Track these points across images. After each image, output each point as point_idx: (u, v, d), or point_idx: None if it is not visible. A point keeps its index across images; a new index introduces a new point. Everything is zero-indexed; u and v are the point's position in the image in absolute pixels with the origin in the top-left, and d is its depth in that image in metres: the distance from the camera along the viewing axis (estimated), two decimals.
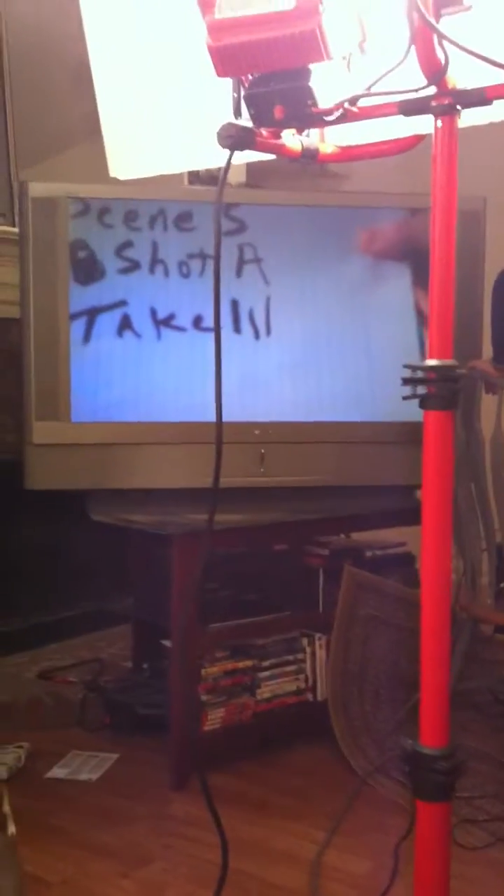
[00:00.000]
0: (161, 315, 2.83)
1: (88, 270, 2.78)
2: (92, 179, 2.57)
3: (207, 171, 3.44)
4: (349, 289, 2.96)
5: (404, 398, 1.39)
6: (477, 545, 2.70)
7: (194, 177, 3.56)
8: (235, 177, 3.76)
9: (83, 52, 1.68)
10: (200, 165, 1.63)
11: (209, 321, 2.81)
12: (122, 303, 2.81)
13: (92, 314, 2.79)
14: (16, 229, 3.01)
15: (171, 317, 2.83)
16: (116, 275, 2.80)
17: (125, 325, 2.81)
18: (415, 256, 2.94)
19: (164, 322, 2.83)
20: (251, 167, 3.77)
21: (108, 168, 1.74)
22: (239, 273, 2.86)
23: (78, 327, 2.78)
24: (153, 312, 2.82)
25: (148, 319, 2.82)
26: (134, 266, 2.81)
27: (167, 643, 2.87)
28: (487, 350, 2.80)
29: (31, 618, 3.67)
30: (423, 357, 1.42)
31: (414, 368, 1.39)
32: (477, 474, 2.63)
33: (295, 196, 3.00)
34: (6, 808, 1.73)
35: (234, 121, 1.41)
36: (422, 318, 2.92)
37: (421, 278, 2.97)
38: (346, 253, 2.95)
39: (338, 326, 2.95)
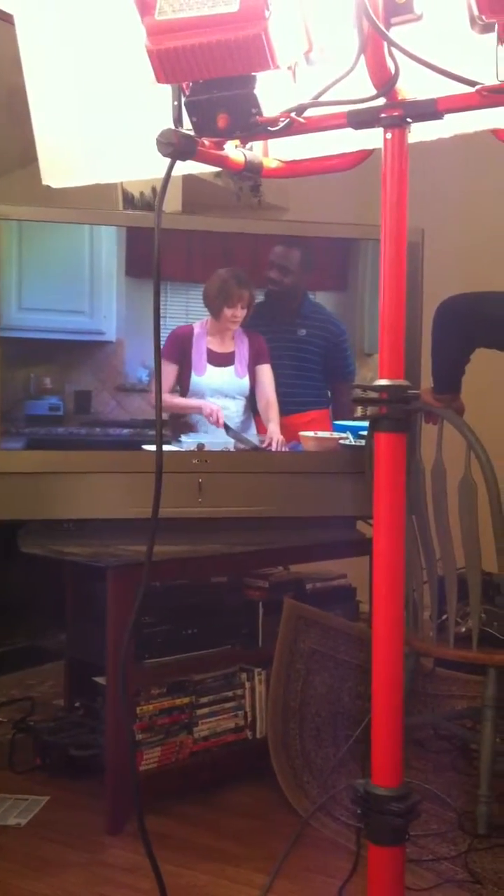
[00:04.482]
0: None
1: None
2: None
3: (142, 195, 3.38)
4: (290, 316, 2.93)
5: (354, 419, 1.33)
6: (418, 577, 2.65)
7: (128, 202, 3.50)
8: (171, 205, 3.71)
9: (15, 80, 1.61)
10: (137, 176, 1.57)
11: None
12: None
13: None
14: None
15: None
16: None
17: None
18: (355, 283, 2.92)
19: None
20: (186, 199, 3.74)
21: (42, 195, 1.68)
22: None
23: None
24: None
25: None
26: None
27: (101, 680, 2.78)
28: (426, 381, 2.77)
29: None
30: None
31: (364, 388, 1.33)
32: (418, 505, 2.59)
33: (233, 223, 2.97)
34: None
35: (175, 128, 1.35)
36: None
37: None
38: (287, 277, 2.92)
39: (276, 353, 2.91)
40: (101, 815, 2.56)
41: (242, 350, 2.91)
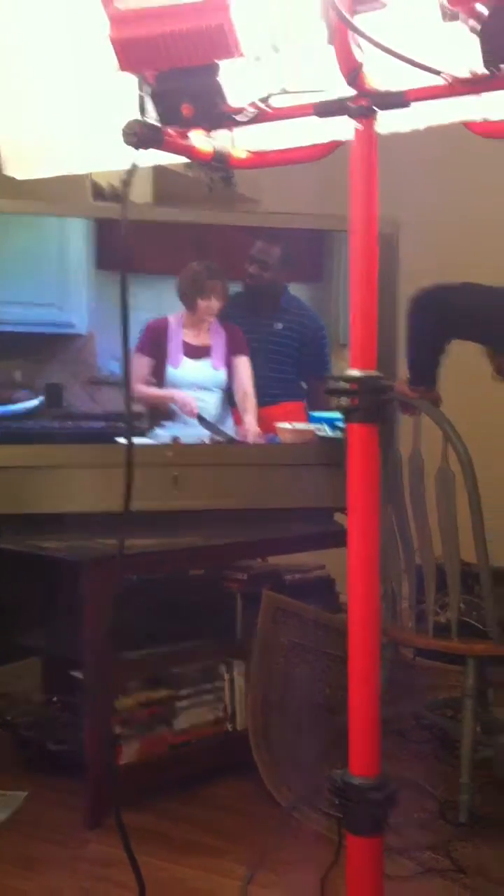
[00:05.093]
0: None
1: None
2: None
3: (112, 187, 3.36)
4: (268, 310, 2.93)
5: (330, 410, 1.32)
6: (396, 568, 2.65)
7: (98, 194, 3.47)
8: (142, 196, 3.68)
9: None
10: (104, 167, 1.55)
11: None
12: None
13: None
14: None
15: None
16: None
17: None
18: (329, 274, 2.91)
19: None
20: (158, 191, 3.71)
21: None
22: None
23: None
24: None
25: None
26: None
27: (78, 675, 2.76)
28: (402, 373, 2.77)
29: None
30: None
31: (337, 379, 1.32)
32: (395, 496, 2.59)
33: (204, 214, 2.95)
34: None
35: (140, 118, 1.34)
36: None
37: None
38: (266, 272, 2.92)
39: (252, 346, 2.90)
40: (80, 810, 2.55)
41: (219, 342, 2.90)
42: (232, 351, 2.90)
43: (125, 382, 1.40)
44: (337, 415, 1.37)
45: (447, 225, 3.83)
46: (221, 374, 2.90)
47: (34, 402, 2.76)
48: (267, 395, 2.94)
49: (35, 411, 2.77)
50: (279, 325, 2.97)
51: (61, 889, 2.24)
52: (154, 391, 2.86)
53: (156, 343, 2.85)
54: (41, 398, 2.76)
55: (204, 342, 2.89)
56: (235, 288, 2.95)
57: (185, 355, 2.88)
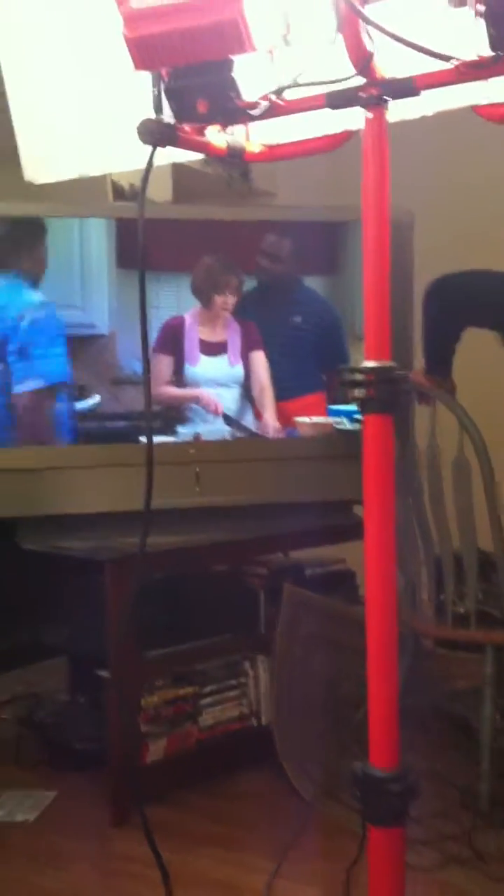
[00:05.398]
0: None
1: None
2: None
3: (132, 187, 3.37)
4: (284, 303, 2.93)
5: (343, 402, 1.33)
6: (416, 559, 2.65)
7: (118, 194, 3.49)
8: (162, 194, 3.70)
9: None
10: (120, 167, 1.56)
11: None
12: None
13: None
14: None
15: None
16: None
17: None
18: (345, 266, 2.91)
19: None
20: (177, 188, 3.72)
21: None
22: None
23: None
24: None
25: None
26: None
27: (104, 673, 2.77)
28: (419, 362, 2.77)
29: None
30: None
31: (352, 371, 1.33)
32: (413, 487, 2.59)
33: (219, 211, 2.96)
34: None
35: (154, 116, 1.34)
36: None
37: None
38: (277, 265, 2.92)
39: (270, 340, 2.90)
40: (106, 807, 2.57)
41: (234, 338, 2.90)
42: (247, 346, 2.91)
43: (144, 381, 1.41)
44: (355, 407, 1.38)
45: (463, 213, 3.82)
46: (238, 370, 2.90)
47: (96, 399, 2.76)
48: (287, 389, 2.95)
49: (95, 409, 2.77)
50: (297, 318, 2.98)
51: (87, 886, 2.26)
52: (179, 391, 2.87)
53: (173, 341, 2.86)
54: (98, 396, 2.76)
55: (220, 338, 2.90)
56: (251, 283, 2.95)
57: (201, 352, 2.89)
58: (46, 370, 2.37)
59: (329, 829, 2.46)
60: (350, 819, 2.45)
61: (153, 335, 2.82)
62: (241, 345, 2.90)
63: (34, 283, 2.53)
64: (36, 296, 2.42)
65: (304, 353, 2.98)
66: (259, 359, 2.91)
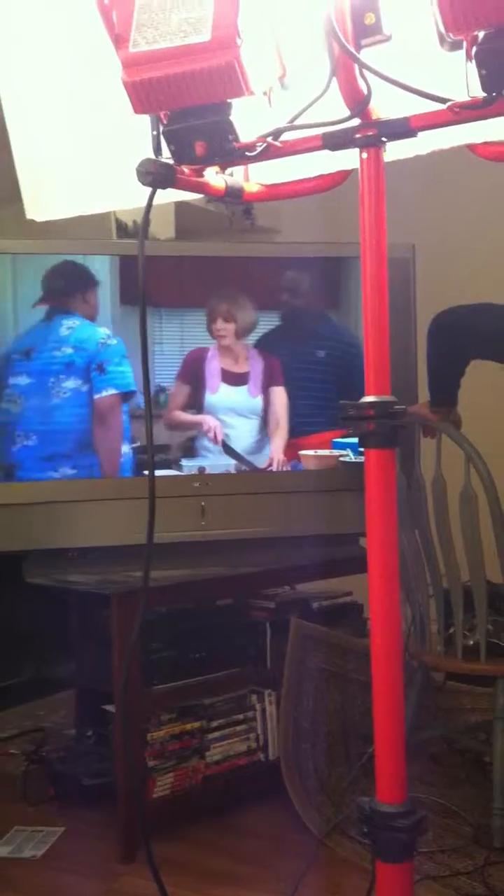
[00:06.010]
0: None
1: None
2: None
3: (135, 224, 3.41)
4: (308, 338, 2.96)
5: (343, 437, 1.34)
6: (423, 592, 2.65)
7: (122, 231, 3.52)
8: (164, 231, 3.74)
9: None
10: (121, 206, 1.58)
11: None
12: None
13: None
14: None
15: None
16: None
17: None
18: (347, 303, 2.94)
19: None
20: (179, 225, 3.77)
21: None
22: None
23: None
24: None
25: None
26: None
27: (110, 708, 2.77)
28: (423, 396, 2.78)
29: None
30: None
31: (351, 406, 1.34)
32: (420, 520, 2.60)
33: (220, 247, 2.99)
34: None
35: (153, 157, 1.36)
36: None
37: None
38: (296, 299, 2.96)
39: (293, 375, 2.93)
40: (114, 843, 2.56)
41: (257, 370, 2.93)
42: (269, 380, 2.93)
43: (146, 415, 1.43)
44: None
45: (465, 248, 3.85)
46: (258, 402, 2.93)
47: None
48: (308, 424, 2.96)
49: None
50: (321, 353, 3.00)
51: None
52: (185, 416, 2.89)
53: (194, 372, 2.89)
54: None
55: (242, 370, 2.93)
56: (273, 320, 2.97)
57: (223, 381, 2.91)
58: (118, 381, 2.79)
59: (339, 865, 2.44)
60: (360, 854, 2.44)
61: (168, 369, 2.85)
62: (263, 378, 2.93)
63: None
64: (103, 329, 2.80)
65: (327, 387, 2.99)
66: (279, 394, 2.94)
